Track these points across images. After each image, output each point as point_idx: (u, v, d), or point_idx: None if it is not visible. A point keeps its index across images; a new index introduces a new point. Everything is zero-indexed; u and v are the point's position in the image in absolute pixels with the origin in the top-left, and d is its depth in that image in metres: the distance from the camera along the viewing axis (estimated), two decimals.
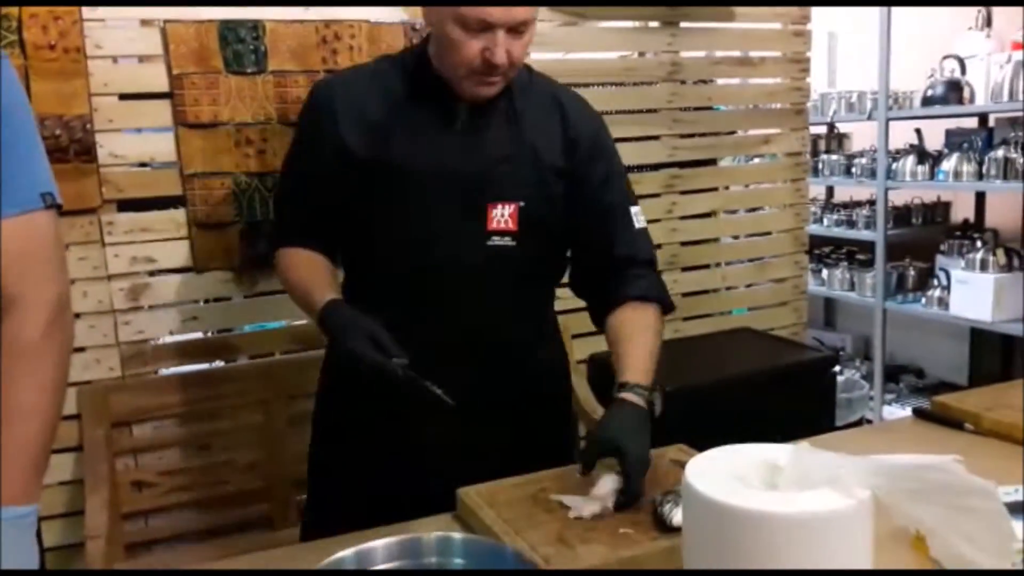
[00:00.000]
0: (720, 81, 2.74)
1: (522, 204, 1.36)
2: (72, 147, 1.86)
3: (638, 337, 1.36)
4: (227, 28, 1.95)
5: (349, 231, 1.43)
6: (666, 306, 1.45)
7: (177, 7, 1.92)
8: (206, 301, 2.11)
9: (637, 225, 1.46)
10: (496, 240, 1.35)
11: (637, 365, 1.31)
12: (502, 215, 1.35)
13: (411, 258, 1.37)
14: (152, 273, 2.02)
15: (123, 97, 1.93)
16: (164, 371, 2.07)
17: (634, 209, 1.46)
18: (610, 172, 1.46)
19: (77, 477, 1.92)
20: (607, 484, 1.18)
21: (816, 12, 2.76)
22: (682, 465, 1.22)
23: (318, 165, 1.39)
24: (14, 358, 1.01)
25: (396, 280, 1.39)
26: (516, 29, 1.26)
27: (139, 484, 2.01)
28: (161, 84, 1.95)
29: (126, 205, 1.97)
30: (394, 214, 1.36)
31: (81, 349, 1.94)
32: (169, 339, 2.08)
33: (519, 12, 1.25)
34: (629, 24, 2.58)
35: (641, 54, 2.59)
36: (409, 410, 1.31)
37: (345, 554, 0.90)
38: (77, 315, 1.92)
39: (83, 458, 1.91)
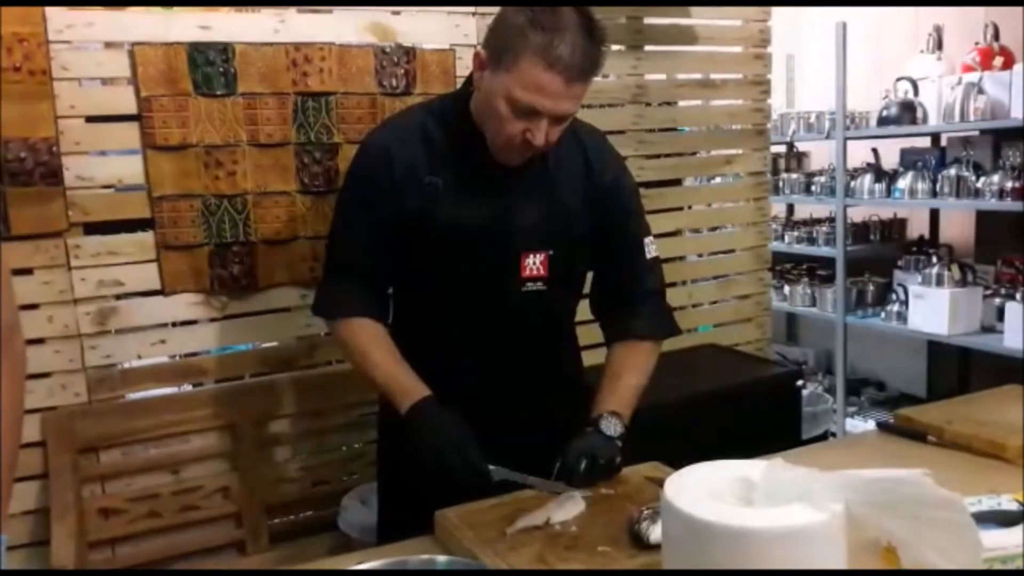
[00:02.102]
0: (683, 103, 2.79)
1: (551, 253, 1.47)
2: (37, 170, 1.84)
3: (625, 377, 1.51)
4: (196, 51, 1.95)
5: (396, 274, 1.53)
6: (667, 334, 1.60)
7: (147, 26, 1.92)
8: (174, 324, 2.09)
9: (648, 256, 1.56)
10: (529, 286, 1.47)
11: (613, 399, 1.46)
12: (534, 263, 1.46)
13: (452, 300, 1.47)
14: (119, 297, 1.99)
15: (90, 120, 1.92)
16: (131, 396, 2.05)
17: (647, 240, 1.56)
18: (629, 211, 1.56)
19: (42, 506, 1.89)
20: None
21: (776, 35, 2.83)
22: (657, 482, 1.25)
23: (378, 225, 1.45)
24: None
25: (438, 317, 1.50)
26: (560, 118, 1.33)
27: (106, 511, 1.98)
28: (129, 106, 1.93)
29: (93, 228, 1.95)
30: (437, 263, 1.46)
31: (46, 375, 1.91)
32: (136, 363, 2.05)
33: (568, 106, 1.32)
34: None
35: (605, 76, 2.63)
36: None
37: None
38: (42, 340, 1.90)
39: (48, 486, 1.88)
